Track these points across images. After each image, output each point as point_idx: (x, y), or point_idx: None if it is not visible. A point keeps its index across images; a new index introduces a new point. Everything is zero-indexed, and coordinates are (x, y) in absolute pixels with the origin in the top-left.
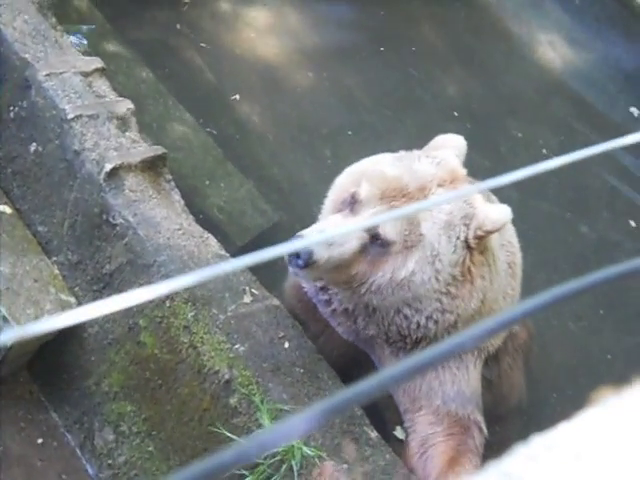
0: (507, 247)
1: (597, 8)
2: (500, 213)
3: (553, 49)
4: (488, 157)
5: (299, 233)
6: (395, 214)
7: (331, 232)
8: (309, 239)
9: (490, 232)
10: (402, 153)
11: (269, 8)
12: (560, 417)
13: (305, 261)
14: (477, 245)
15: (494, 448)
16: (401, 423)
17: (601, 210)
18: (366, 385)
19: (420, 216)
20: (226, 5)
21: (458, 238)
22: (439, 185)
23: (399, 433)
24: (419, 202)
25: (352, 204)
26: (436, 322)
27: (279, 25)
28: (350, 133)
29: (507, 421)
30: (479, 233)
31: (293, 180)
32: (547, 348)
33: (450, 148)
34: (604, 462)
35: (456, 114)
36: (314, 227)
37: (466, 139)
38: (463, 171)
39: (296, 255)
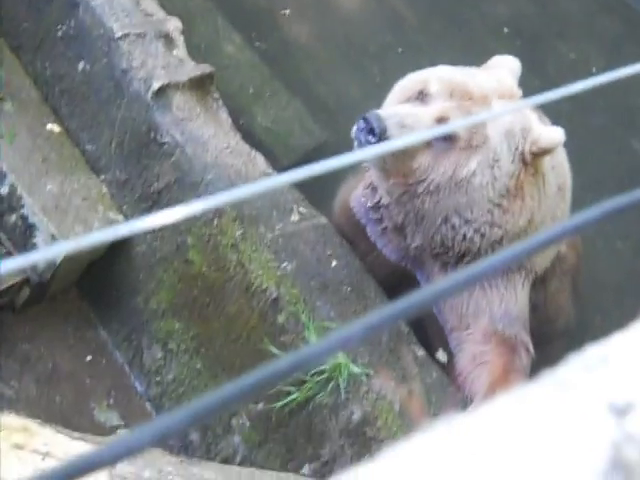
0: (558, 169)
1: None
2: (554, 133)
3: None
4: (537, 76)
5: (375, 111)
6: (470, 120)
7: (403, 113)
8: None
9: (543, 149)
10: (462, 67)
11: None
12: (604, 337)
13: (378, 136)
14: (531, 162)
15: (539, 369)
16: (443, 346)
17: None
18: (413, 299)
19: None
20: None
21: (517, 149)
22: (499, 97)
23: (441, 356)
24: (484, 107)
25: (421, 98)
26: (483, 235)
27: None
28: (398, 52)
29: (553, 343)
30: (534, 149)
31: (340, 99)
32: (593, 268)
33: (506, 68)
34: None
35: (505, 31)
36: (389, 109)
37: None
38: (518, 90)
39: (368, 131)
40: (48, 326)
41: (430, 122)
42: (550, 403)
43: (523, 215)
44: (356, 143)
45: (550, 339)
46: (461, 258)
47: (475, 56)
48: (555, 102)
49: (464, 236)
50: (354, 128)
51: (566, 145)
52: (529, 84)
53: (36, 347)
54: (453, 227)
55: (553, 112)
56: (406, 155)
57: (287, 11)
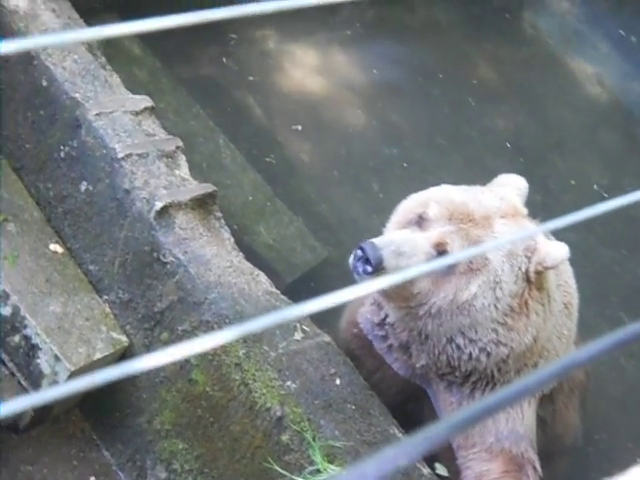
0: (564, 287)
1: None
2: (560, 250)
3: (601, 83)
4: (538, 192)
5: (371, 240)
6: (473, 251)
7: (405, 243)
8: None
9: (549, 268)
10: (464, 187)
11: (316, 46)
12: (611, 456)
13: (374, 267)
14: (536, 280)
15: None
16: (439, 459)
17: None
18: (432, 432)
19: (485, 240)
20: (272, 43)
21: (520, 269)
22: (502, 217)
23: (440, 470)
24: (485, 229)
25: (420, 222)
26: (489, 354)
27: (326, 63)
28: (399, 169)
29: (561, 460)
30: (539, 268)
31: (342, 216)
32: (599, 384)
33: (511, 187)
34: None
35: (506, 148)
36: (385, 236)
37: (516, 174)
38: (523, 209)
39: (364, 260)
40: (51, 447)
41: (428, 248)
42: None
43: (529, 332)
44: (354, 272)
45: (557, 455)
46: (467, 377)
47: (478, 171)
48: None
49: (470, 355)
50: (351, 257)
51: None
52: (530, 200)
53: (39, 469)
54: (458, 347)
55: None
56: (406, 282)
57: (299, 127)
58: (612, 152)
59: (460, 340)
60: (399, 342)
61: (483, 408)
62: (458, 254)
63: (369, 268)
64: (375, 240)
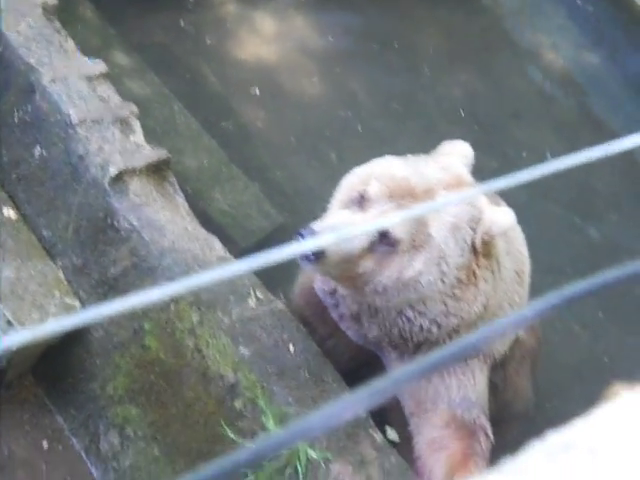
0: (515, 254)
1: (599, 11)
2: (505, 217)
3: (556, 52)
4: (495, 159)
5: (310, 226)
6: (406, 214)
7: (344, 228)
8: (319, 237)
9: (496, 236)
10: (409, 157)
11: (274, 13)
12: (562, 422)
13: (315, 254)
14: (483, 248)
15: (498, 453)
16: (391, 424)
17: (609, 213)
18: (373, 389)
19: (428, 217)
20: (231, 8)
21: (465, 241)
22: (445, 188)
23: (391, 434)
24: (428, 203)
25: (360, 202)
26: (439, 326)
27: (284, 30)
28: (355, 136)
29: (512, 426)
30: (485, 238)
31: (297, 183)
32: (552, 353)
33: (457, 155)
34: (620, 458)
35: (461, 116)
36: (325, 221)
37: (472, 142)
38: (469, 177)
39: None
40: (4, 413)
41: (370, 231)
42: None
43: (478, 301)
44: (297, 258)
45: (509, 422)
46: (419, 347)
47: (434, 139)
48: (511, 189)
49: (421, 327)
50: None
51: (529, 226)
52: (487, 166)
53: None
54: (408, 319)
55: (510, 198)
56: (349, 262)
57: (257, 90)
58: (566, 121)
59: (410, 313)
60: (350, 312)
61: (427, 365)
62: (387, 220)
63: (311, 256)
64: (314, 226)
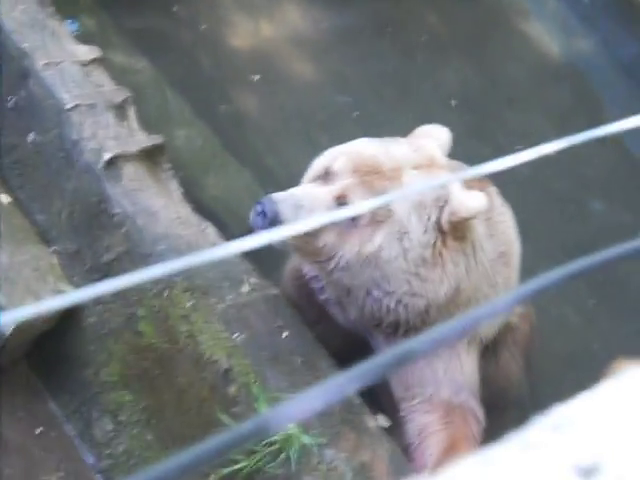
0: (499, 237)
1: None
2: (475, 200)
3: (550, 37)
4: (488, 145)
5: (270, 195)
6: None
7: (304, 198)
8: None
9: (464, 219)
10: (385, 138)
11: (269, 1)
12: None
13: (271, 219)
14: (451, 230)
15: (492, 439)
16: (382, 411)
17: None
18: (358, 371)
19: (391, 192)
20: None
21: (429, 219)
22: (413, 167)
23: (381, 420)
24: (392, 181)
25: (325, 176)
26: (405, 306)
27: (277, 16)
28: (348, 122)
29: (506, 413)
30: (452, 218)
31: (291, 169)
32: (545, 341)
33: (433, 138)
34: (625, 432)
35: (454, 102)
36: (285, 191)
37: (465, 128)
38: (442, 159)
39: (263, 215)
40: None
41: (329, 201)
42: (516, 464)
43: (445, 283)
44: (254, 227)
45: (503, 409)
46: (396, 329)
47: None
48: (510, 169)
49: (388, 307)
50: (251, 212)
51: (522, 211)
52: (480, 153)
53: None
54: (376, 299)
55: (509, 178)
56: (310, 235)
57: (257, 77)
58: (560, 108)
59: (376, 292)
60: (332, 296)
61: (413, 348)
62: (358, 205)
63: (266, 220)
64: (274, 194)
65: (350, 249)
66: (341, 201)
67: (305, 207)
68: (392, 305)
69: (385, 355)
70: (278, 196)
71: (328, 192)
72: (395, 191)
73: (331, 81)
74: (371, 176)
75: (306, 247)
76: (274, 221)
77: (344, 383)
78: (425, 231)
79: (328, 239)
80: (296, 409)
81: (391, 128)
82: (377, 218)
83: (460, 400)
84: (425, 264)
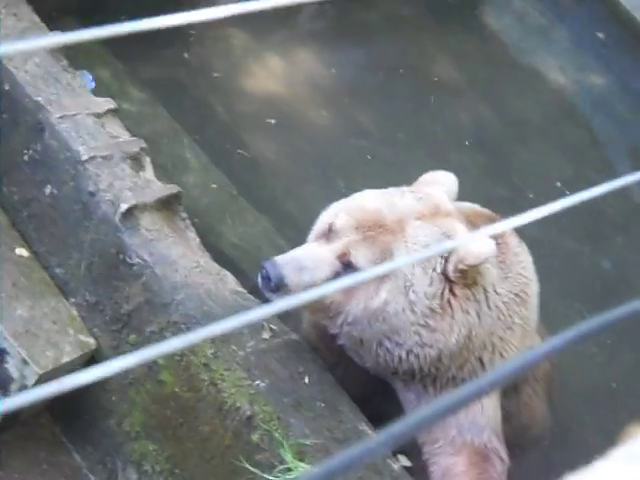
0: (515, 279)
1: (606, 35)
2: (482, 247)
3: (564, 75)
4: (502, 186)
5: (273, 258)
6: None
7: (306, 259)
8: (278, 263)
9: (473, 265)
10: (390, 189)
11: (277, 46)
12: (580, 445)
13: (276, 285)
14: (459, 278)
15: (518, 477)
16: (405, 454)
17: (616, 237)
18: (392, 431)
19: (393, 246)
20: (236, 41)
21: (434, 270)
22: (417, 218)
23: (403, 461)
24: (395, 234)
25: (328, 234)
26: (417, 356)
27: (289, 63)
28: (364, 165)
29: (530, 450)
30: (460, 267)
31: (308, 214)
32: (565, 376)
33: (439, 185)
34: None
35: (468, 143)
36: (288, 253)
37: (479, 168)
38: (448, 206)
39: (268, 279)
40: (20, 451)
41: (332, 260)
42: None
43: (455, 331)
44: (262, 291)
45: (527, 447)
46: (412, 376)
47: (442, 166)
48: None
49: (400, 358)
50: (258, 276)
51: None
52: (495, 194)
53: (9, 474)
54: (388, 350)
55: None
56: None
57: (273, 120)
58: (575, 145)
59: (387, 344)
60: (347, 343)
61: (446, 405)
62: (366, 270)
63: (272, 285)
64: (277, 258)
65: (356, 305)
66: (344, 259)
67: (308, 268)
68: (404, 355)
69: (418, 414)
70: (281, 260)
71: (330, 251)
72: (401, 245)
73: (345, 125)
74: (374, 231)
75: (314, 306)
76: (279, 285)
77: (381, 443)
78: (431, 283)
79: (334, 297)
80: (334, 470)
81: (406, 169)
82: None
83: (483, 441)
84: (434, 315)
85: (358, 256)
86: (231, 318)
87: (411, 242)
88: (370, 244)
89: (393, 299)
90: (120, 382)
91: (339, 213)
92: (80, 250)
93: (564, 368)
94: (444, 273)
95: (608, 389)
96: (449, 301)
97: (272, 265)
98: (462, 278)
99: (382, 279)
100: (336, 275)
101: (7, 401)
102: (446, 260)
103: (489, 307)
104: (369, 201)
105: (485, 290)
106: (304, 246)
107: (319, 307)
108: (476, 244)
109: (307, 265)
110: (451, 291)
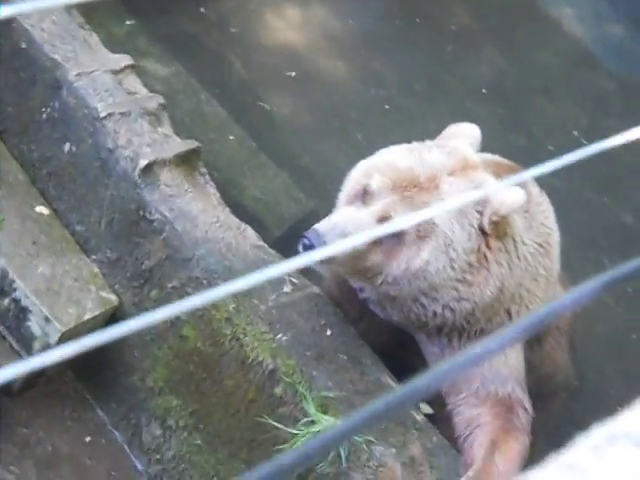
0: (538, 229)
1: None
2: (514, 196)
3: (582, 24)
4: (522, 136)
5: (314, 228)
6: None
7: (347, 226)
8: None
9: (505, 216)
10: (414, 144)
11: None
12: (602, 395)
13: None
14: (493, 230)
15: (542, 426)
16: (429, 403)
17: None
18: (417, 384)
19: (432, 205)
20: None
21: (472, 225)
22: (449, 174)
23: (425, 408)
24: (430, 192)
25: (364, 196)
26: (452, 310)
27: (305, 15)
28: (381, 117)
29: (554, 399)
30: (494, 218)
31: (326, 167)
32: (587, 325)
33: (463, 137)
34: None
35: (486, 92)
36: (328, 220)
37: (497, 118)
38: (476, 159)
39: (310, 247)
40: (45, 409)
41: (372, 224)
42: None
43: (490, 284)
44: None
45: (551, 396)
46: (440, 330)
47: (460, 118)
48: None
49: (435, 313)
50: (299, 246)
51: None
52: (514, 144)
53: (34, 431)
54: (423, 305)
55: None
56: (356, 258)
57: (293, 73)
58: (594, 94)
59: (423, 300)
60: (373, 297)
61: (469, 358)
62: (399, 221)
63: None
64: (318, 226)
65: (398, 266)
66: (385, 222)
67: (350, 233)
68: (439, 310)
69: (442, 366)
70: (323, 227)
71: (370, 214)
72: (437, 206)
73: (362, 76)
74: (410, 190)
75: (354, 267)
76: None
77: (405, 396)
78: (469, 238)
79: (375, 258)
80: (360, 422)
81: (424, 120)
82: (421, 234)
83: (507, 391)
84: (471, 269)
85: (398, 217)
86: (255, 273)
87: (447, 199)
88: (409, 204)
89: (435, 258)
90: (142, 338)
91: (372, 173)
92: (100, 207)
93: (584, 319)
94: (480, 227)
95: (628, 340)
96: (485, 255)
97: (315, 234)
98: (495, 230)
99: (423, 239)
100: (377, 239)
101: (31, 360)
102: (481, 214)
103: (518, 258)
104: (400, 159)
105: (514, 241)
106: (342, 211)
107: (359, 269)
108: (507, 194)
109: (349, 231)
110: (487, 244)
